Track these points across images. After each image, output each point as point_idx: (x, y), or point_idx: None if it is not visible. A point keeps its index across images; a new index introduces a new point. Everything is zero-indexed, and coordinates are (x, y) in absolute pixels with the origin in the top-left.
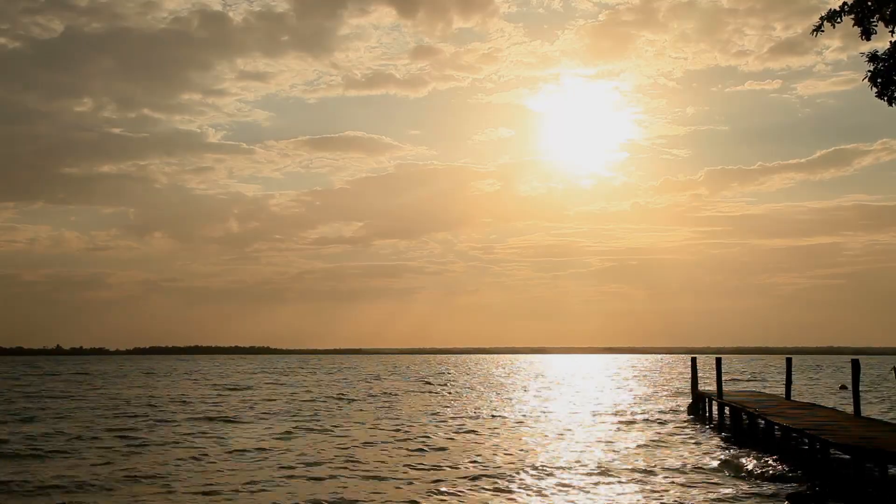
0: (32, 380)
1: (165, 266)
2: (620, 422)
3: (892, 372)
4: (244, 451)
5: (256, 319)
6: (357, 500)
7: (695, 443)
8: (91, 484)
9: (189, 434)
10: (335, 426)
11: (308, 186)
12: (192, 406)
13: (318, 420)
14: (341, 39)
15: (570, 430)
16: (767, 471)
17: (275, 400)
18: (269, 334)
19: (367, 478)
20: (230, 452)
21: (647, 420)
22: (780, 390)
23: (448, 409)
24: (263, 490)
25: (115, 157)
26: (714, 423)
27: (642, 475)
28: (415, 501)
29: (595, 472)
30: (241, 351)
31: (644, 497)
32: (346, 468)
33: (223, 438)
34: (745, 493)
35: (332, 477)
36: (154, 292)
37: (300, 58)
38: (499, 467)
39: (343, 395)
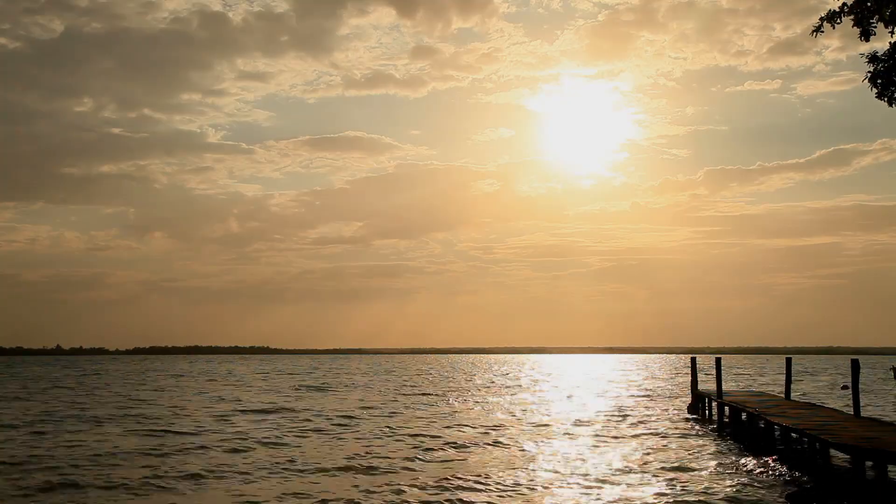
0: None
1: (165, 266)
2: (621, 420)
3: (892, 372)
4: None
5: (256, 319)
6: None
7: (693, 442)
8: None
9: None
10: None
11: (308, 186)
12: None
13: None
14: (341, 39)
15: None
16: (767, 471)
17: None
18: (269, 334)
19: None
20: None
21: (648, 420)
22: (780, 390)
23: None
24: None
25: (115, 157)
26: (714, 422)
27: (640, 475)
28: None
29: (593, 473)
30: (241, 351)
31: (643, 498)
32: None
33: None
34: (746, 493)
35: None
36: (154, 292)
37: (300, 58)
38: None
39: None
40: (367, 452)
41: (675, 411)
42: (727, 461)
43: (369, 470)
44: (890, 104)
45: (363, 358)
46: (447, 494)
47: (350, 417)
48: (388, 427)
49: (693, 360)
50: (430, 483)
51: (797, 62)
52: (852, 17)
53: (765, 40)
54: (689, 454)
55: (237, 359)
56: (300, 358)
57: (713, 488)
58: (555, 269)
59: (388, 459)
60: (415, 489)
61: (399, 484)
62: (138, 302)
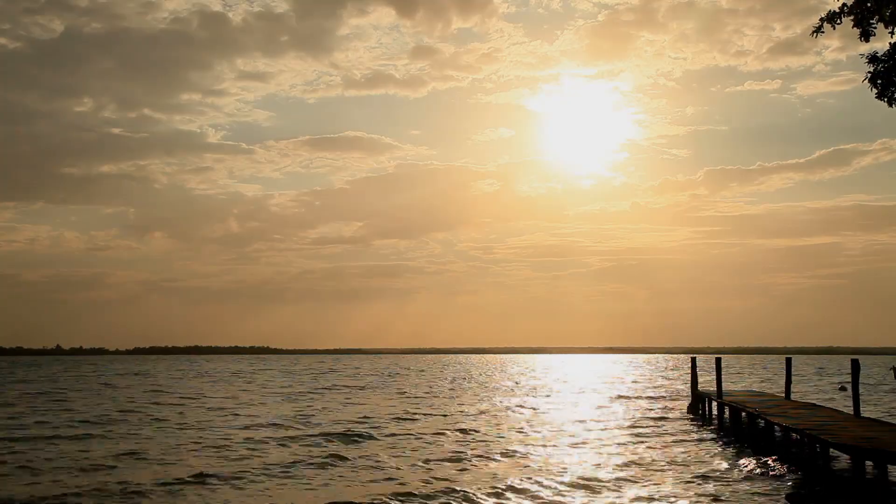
0: None
1: (165, 266)
2: (622, 421)
3: (892, 372)
4: None
5: (256, 319)
6: None
7: (693, 442)
8: None
9: None
10: None
11: (308, 186)
12: None
13: None
14: (341, 39)
15: (571, 431)
16: (767, 471)
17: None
18: (269, 334)
19: None
20: None
21: (648, 420)
22: (780, 390)
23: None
24: None
25: (115, 157)
26: (714, 423)
27: (641, 475)
28: None
29: (590, 471)
30: (240, 351)
31: (643, 498)
32: None
33: None
34: (746, 493)
35: None
36: (154, 292)
37: (300, 58)
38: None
39: None
40: None
41: (675, 411)
42: (727, 461)
43: None
44: (890, 104)
45: (367, 357)
46: None
47: None
48: None
49: (693, 361)
50: None
51: (797, 62)
52: (852, 17)
53: (765, 40)
54: (689, 454)
55: (286, 359)
56: (312, 357)
57: (713, 488)
58: (555, 269)
59: None
60: None
61: None
62: (138, 302)
